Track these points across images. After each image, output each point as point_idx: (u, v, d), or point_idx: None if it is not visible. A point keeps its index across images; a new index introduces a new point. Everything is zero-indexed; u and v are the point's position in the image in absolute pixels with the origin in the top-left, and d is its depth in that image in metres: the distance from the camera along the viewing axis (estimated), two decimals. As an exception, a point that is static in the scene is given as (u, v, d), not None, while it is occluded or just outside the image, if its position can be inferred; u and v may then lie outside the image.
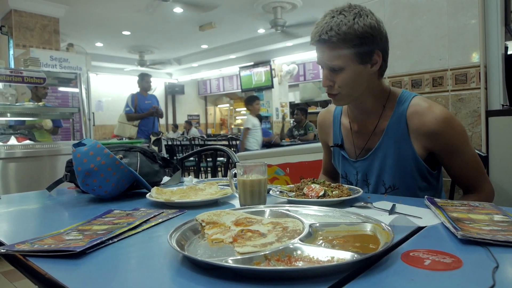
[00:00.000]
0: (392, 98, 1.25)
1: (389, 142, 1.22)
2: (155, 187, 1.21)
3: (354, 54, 1.12)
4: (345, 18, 1.11)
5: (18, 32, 5.99)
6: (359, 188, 1.10)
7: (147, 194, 1.15)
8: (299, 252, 0.58)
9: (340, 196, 1.01)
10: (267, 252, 0.57)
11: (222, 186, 1.24)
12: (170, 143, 8.04)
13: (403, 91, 1.26)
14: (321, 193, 1.02)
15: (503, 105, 1.77)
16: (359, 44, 1.11)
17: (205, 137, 8.92)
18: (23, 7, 6.09)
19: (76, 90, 3.83)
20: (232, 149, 6.15)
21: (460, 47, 1.78)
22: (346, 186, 1.12)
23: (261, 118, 6.02)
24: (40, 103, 3.86)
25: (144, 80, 5.46)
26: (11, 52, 5.90)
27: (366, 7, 1.16)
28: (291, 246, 0.60)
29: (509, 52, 1.93)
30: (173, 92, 14.62)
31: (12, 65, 5.74)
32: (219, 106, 15.92)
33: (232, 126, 14.62)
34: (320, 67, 1.22)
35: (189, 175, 6.16)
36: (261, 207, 0.88)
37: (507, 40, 1.97)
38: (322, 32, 1.13)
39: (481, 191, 1.19)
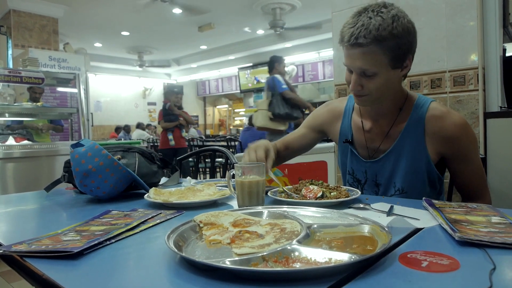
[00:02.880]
0: (409, 101, 1.23)
1: (405, 145, 1.21)
2: (153, 188, 1.21)
3: (388, 59, 1.07)
4: (383, 21, 1.03)
5: (17, 32, 5.99)
6: (357, 190, 1.10)
7: (145, 195, 1.15)
8: (296, 253, 0.58)
9: (338, 198, 1.01)
10: (265, 254, 0.57)
11: (220, 187, 1.24)
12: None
13: (420, 96, 1.24)
14: (319, 194, 1.03)
15: (501, 107, 1.78)
16: (396, 50, 1.06)
17: (204, 137, 8.92)
18: (22, 7, 6.09)
19: (75, 90, 3.82)
20: (231, 150, 6.15)
21: (459, 49, 1.79)
22: (344, 187, 1.12)
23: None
24: (39, 103, 3.86)
25: (281, 64, 4.47)
26: (10, 52, 5.89)
27: (400, 8, 1.09)
28: (288, 248, 0.60)
29: (507, 54, 1.93)
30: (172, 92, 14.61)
31: (11, 65, 5.74)
32: (218, 107, 15.92)
33: (231, 127, 14.62)
34: (346, 68, 1.16)
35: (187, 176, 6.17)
36: (259, 208, 0.88)
37: (505, 42, 1.98)
38: (360, 35, 1.03)
39: (481, 201, 1.19)
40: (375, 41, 1.03)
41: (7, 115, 3.44)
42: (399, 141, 1.22)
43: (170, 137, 5.52)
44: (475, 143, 1.20)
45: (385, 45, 1.04)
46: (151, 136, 10.26)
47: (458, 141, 1.16)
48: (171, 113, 5.58)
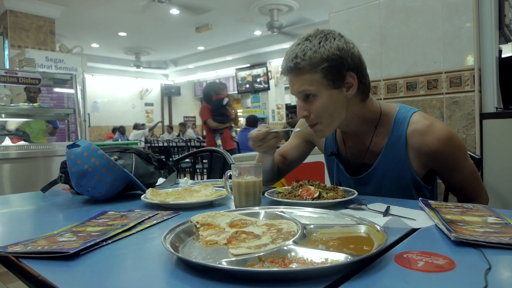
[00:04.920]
0: (385, 118, 1.19)
1: (387, 163, 1.18)
2: (150, 188, 1.21)
3: (324, 78, 1.06)
4: (310, 43, 1.07)
5: (13, 32, 5.97)
6: (354, 190, 1.11)
7: (142, 196, 1.15)
8: (293, 253, 0.58)
9: (335, 198, 1.01)
10: (261, 254, 0.57)
11: (217, 188, 1.24)
12: (165, 144, 8.02)
13: (400, 108, 1.19)
14: (316, 194, 1.03)
15: (497, 108, 1.79)
16: (328, 67, 1.05)
17: (201, 138, 8.91)
18: (18, 8, 6.07)
19: (72, 91, 3.81)
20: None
21: (455, 50, 1.79)
22: (341, 188, 1.12)
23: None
24: (36, 104, 3.84)
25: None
26: (6, 52, 5.87)
27: (336, 31, 1.11)
28: (285, 248, 0.60)
29: (503, 56, 1.94)
30: (169, 93, 14.61)
31: (7, 66, 5.71)
32: (215, 107, 15.90)
33: (229, 128, 14.59)
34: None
35: (184, 176, 6.14)
36: (256, 209, 0.88)
37: (501, 43, 1.99)
38: (288, 60, 1.08)
39: (477, 202, 1.17)
40: (302, 62, 1.06)
41: (3, 115, 3.42)
42: (381, 157, 1.18)
43: (219, 141, 4.57)
44: (462, 151, 1.15)
45: (313, 64, 1.05)
46: (148, 137, 10.23)
47: (443, 155, 1.12)
48: (224, 111, 4.62)
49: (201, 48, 11.35)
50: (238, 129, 6.17)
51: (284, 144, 1.52)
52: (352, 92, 1.11)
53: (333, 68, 1.06)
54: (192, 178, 2.11)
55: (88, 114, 5.18)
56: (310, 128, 1.17)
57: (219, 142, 4.50)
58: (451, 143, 1.11)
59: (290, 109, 8.97)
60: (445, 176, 1.20)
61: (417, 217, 0.85)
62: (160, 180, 1.51)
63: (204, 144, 7.32)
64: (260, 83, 11.38)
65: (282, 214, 0.82)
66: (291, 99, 11.85)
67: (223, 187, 1.19)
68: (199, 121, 15.56)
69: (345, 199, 1.01)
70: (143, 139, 9.82)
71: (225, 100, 4.57)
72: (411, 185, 1.18)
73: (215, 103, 4.61)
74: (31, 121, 4.22)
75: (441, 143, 1.10)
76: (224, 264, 0.54)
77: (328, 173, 1.44)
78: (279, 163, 1.46)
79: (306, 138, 1.46)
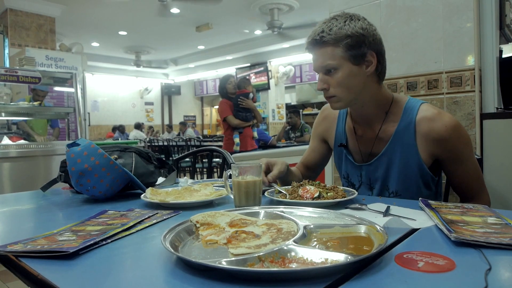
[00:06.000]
0: (396, 105, 1.24)
1: (396, 149, 1.22)
2: (150, 187, 1.21)
3: (346, 53, 1.13)
4: (336, 21, 1.14)
5: (13, 31, 5.97)
6: (354, 190, 1.11)
7: (142, 195, 1.15)
8: (293, 253, 0.58)
9: (335, 198, 1.01)
10: (261, 254, 0.57)
11: (217, 187, 1.24)
12: (165, 143, 8.02)
13: (410, 98, 1.25)
14: (316, 194, 1.03)
15: (497, 108, 1.79)
16: (350, 43, 1.12)
17: (201, 138, 8.91)
18: (19, 6, 6.07)
19: (72, 90, 3.81)
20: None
21: (455, 50, 1.79)
22: (341, 188, 1.12)
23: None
24: (36, 103, 3.84)
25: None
26: (6, 51, 5.87)
27: (360, 15, 1.18)
28: (285, 248, 0.60)
29: (503, 56, 1.94)
30: (169, 92, 14.60)
31: (7, 65, 5.71)
32: (215, 107, 15.89)
33: (229, 127, 14.59)
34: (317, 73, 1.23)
35: (184, 175, 6.15)
36: (255, 209, 0.88)
37: (502, 43, 1.99)
38: (315, 35, 1.16)
39: (478, 201, 1.19)
40: (327, 36, 1.13)
41: (3, 114, 3.42)
42: (390, 144, 1.22)
43: (237, 139, 4.01)
44: (467, 143, 1.19)
45: (338, 39, 1.13)
46: (147, 137, 10.23)
47: (450, 142, 1.16)
48: (247, 107, 4.06)
49: (201, 47, 11.35)
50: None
51: (304, 153, 1.55)
52: (371, 70, 1.17)
53: (355, 44, 1.13)
54: (192, 177, 2.11)
55: (88, 113, 5.17)
56: (327, 101, 1.23)
57: (236, 140, 4.02)
58: (458, 132, 1.16)
59: (290, 108, 8.96)
60: (449, 168, 1.22)
61: (417, 217, 0.85)
62: (160, 180, 1.51)
63: (205, 143, 7.32)
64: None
65: (282, 214, 0.82)
66: (291, 99, 11.85)
67: (223, 186, 1.19)
68: (199, 121, 15.60)
69: (345, 199, 1.01)
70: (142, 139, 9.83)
71: (250, 95, 4.14)
72: (417, 173, 1.21)
73: (236, 98, 4.08)
74: (32, 120, 4.22)
75: (448, 130, 1.15)
76: (223, 263, 0.54)
77: (336, 166, 1.46)
78: (304, 172, 1.50)
79: (321, 137, 1.49)
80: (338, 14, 1.18)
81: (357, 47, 1.13)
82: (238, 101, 4.03)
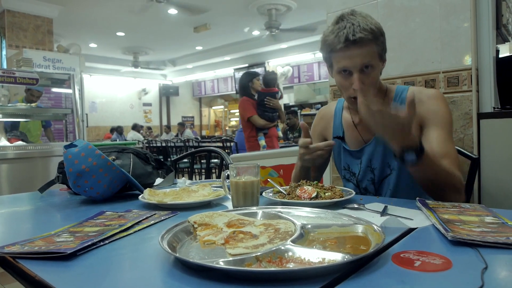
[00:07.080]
0: (389, 91, 1.32)
1: None
2: (148, 188, 1.21)
3: (380, 51, 1.18)
4: (364, 18, 1.15)
5: (11, 32, 5.95)
6: (351, 190, 1.11)
7: (140, 196, 1.15)
8: (290, 253, 0.58)
9: (333, 198, 1.01)
10: (259, 254, 0.57)
11: (215, 188, 1.24)
12: (163, 144, 8.01)
13: (398, 86, 1.34)
14: (314, 194, 1.03)
15: (494, 108, 1.79)
16: (383, 40, 1.18)
17: (200, 138, 8.90)
18: (16, 7, 6.05)
19: (70, 91, 3.80)
20: (226, 150, 6.14)
21: (453, 50, 1.80)
22: (339, 188, 1.12)
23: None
24: (33, 104, 3.83)
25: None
26: (4, 52, 5.85)
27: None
28: (282, 248, 0.60)
29: (500, 55, 1.95)
30: (168, 93, 14.59)
31: (5, 66, 5.70)
32: (213, 107, 15.90)
33: (227, 128, 14.60)
34: (337, 75, 1.21)
35: (182, 176, 6.14)
36: (253, 209, 0.88)
37: (499, 43, 1.99)
38: (355, 31, 1.11)
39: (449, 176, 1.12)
40: (369, 35, 1.13)
41: (0, 115, 3.41)
42: None
43: (263, 142, 3.68)
44: (445, 113, 1.21)
45: (376, 37, 1.15)
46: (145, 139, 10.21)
47: (427, 104, 1.21)
48: (272, 106, 3.74)
49: (199, 48, 11.34)
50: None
51: None
52: (384, 65, 1.24)
53: (384, 41, 1.19)
54: (190, 178, 2.11)
55: (86, 114, 5.16)
56: (355, 100, 1.16)
57: (262, 142, 3.68)
58: (437, 99, 1.23)
59: (288, 109, 8.96)
60: (424, 132, 1.21)
61: (414, 216, 0.85)
62: (158, 180, 1.51)
63: (203, 144, 7.32)
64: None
65: (280, 214, 0.82)
66: (289, 99, 11.86)
67: (221, 187, 1.19)
68: (197, 121, 15.58)
69: (343, 199, 1.01)
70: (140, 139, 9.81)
71: (278, 94, 3.83)
72: None
73: (262, 96, 3.74)
74: (29, 121, 4.21)
75: (429, 96, 1.23)
76: (221, 264, 0.54)
77: (335, 163, 1.49)
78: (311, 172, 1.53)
79: (321, 137, 1.51)
80: (353, 11, 1.18)
81: (384, 45, 1.19)
82: (265, 101, 3.69)
